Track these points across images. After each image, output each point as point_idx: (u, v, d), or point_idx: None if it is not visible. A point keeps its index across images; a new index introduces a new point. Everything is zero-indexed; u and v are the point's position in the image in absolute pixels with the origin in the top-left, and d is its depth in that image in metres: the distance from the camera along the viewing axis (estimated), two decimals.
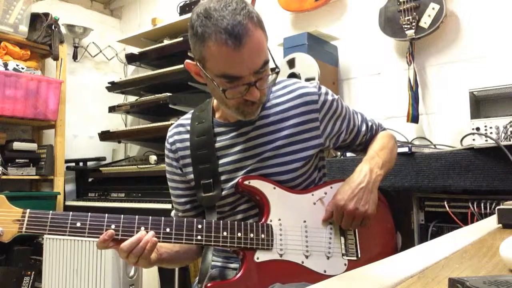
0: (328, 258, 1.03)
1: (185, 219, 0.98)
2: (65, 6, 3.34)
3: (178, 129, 1.16)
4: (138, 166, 2.64)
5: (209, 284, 0.96)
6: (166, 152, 1.17)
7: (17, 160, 2.72)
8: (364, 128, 1.18)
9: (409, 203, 1.66)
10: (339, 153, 1.88)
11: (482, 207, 1.46)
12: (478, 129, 1.50)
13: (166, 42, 2.83)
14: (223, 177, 1.07)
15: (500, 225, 0.88)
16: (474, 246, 0.73)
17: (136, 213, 0.97)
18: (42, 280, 2.21)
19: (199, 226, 0.97)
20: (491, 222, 0.93)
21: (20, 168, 2.73)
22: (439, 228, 1.60)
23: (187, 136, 1.13)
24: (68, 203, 2.92)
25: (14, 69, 2.73)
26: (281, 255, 0.99)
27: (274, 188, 1.04)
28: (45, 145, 2.93)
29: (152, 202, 2.46)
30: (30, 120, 2.84)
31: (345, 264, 1.04)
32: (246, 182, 1.03)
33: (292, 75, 2.15)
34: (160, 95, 2.60)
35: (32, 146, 2.82)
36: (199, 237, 0.96)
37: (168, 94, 2.54)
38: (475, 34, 2.07)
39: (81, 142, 3.34)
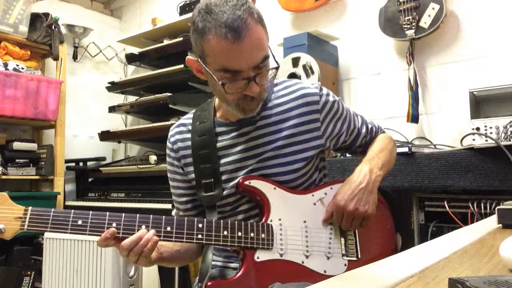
0: (328, 258, 1.03)
1: (185, 218, 0.98)
2: (65, 6, 3.34)
3: (180, 129, 1.16)
4: (138, 166, 2.64)
5: (209, 283, 0.96)
6: (167, 151, 1.18)
7: (17, 160, 2.72)
8: (364, 130, 1.19)
9: (409, 203, 1.66)
10: (338, 154, 1.88)
11: (482, 207, 1.46)
12: (478, 129, 1.50)
13: (166, 42, 2.83)
14: (224, 177, 1.07)
15: (500, 225, 0.88)
16: (474, 246, 0.73)
17: (136, 213, 0.97)
18: (42, 280, 2.21)
19: (200, 225, 0.97)
20: (491, 222, 0.93)
21: (20, 168, 2.73)
22: (439, 228, 1.60)
23: (189, 135, 1.13)
24: (68, 203, 2.92)
25: (14, 69, 2.73)
26: (281, 255, 0.99)
27: (275, 188, 1.04)
28: (45, 145, 2.93)
29: (152, 202, 2.46)
30: (30, 120, 2.83)
31: (345, 265, 1.04)
32: (246, 182, 1.03)
33: (292, 75, 2.15)
34: (160, 95, 2.60)
35: (32, 146, 2.82)
36: (199, 236, 0.97)
37: (168, 94, 2.54)
38: (475, 34, 2.07)
39: (81, 142, 3.34)
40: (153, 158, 2.55)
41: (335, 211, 1.03)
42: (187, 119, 1.17)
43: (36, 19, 2.87)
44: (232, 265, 1.11)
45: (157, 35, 3.00)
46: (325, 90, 1.12)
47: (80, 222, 0.92)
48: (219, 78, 0.95)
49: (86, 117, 3.39)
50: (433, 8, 2.02)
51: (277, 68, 0.99)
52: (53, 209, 0.92)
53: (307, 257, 1.01)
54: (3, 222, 0.89)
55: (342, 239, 1.06)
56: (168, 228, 0.95)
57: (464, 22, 2.10)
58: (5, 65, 2.70)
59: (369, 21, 2.29)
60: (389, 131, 2.12)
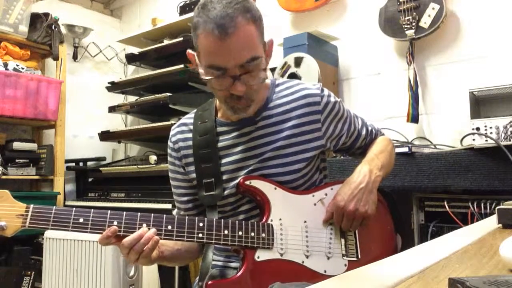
0: (328, 258, 1.03)
1: (186, 217, 0.98)
2: (65, 6, 3.34)
3: (181, 128, 1.17)
4: (138, 166, 2.64)
5: (209, 282, 0.96)
6: (169, 151, 1.18)
7: (17, 160, 2.72)
8: (364, 131, 1.19)
9: (409, 203, 1.66)
10: (338, 154, 1.88)
11: (482, 207, 1.46)
12: (478, 129, 1.50)
13: (166, 42, 2.83)
14: (225, 177, 1.08)
15: (500, 225, 0.88)
16: (474, 246, 0.73)
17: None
18: (42, 280, 2.20)
19: (201, 224, 0.97)
20: (491, 222, 0.93)
21: (20, 168, 2.73)
22: (439, 228, 1.60)
23: (190, 135, 1.14)
24: (68, 203, 2.92)
25: (14, 69, 2.73)
26: (281, 255, 1.00)
27: (275, 188, 1.04)
28: (45, 145, 2.93)
29: (152, 202, 2.46)
30: (30, 120, 2.83)
31: (345, 265, 1.04)
32: (247, 182, 1.03)
33: (292, 76, 2.15)
34: (160, 95, 2.60)
35: (32, 146, 2.82)
36: (200, 235, 0.97)
37: (168, 94, 2.54)
38: (475, 34, 2.07)
39: (81, 142, 3.34)
40: (153, 158, 2.55)
41: (335, 212, 1.03)
42: (189, 118, 1.18)
43: (36, 19, 2.87)
44: (233, 264, 1.11)
45: (157, 35, 3.00)
46: (326, 91, 1.12)
47: (81, 220, 0.92)
48: (207, 73, 0.96)
49: (86, 117, 3.39)
50: (433, 8, 2.02)
51: (264, 70, 0.99)
52: (54, 207, 0.92)
53: (307, 257, 1.01)
54: (4, 219, 0.89)
55: (342, 239, 1.06)
56: (169, 227, 0.96)
57: (464, 22, 2.10)
58: (5, 65, 2.70)
59: (369, 21, 2.29)
60: (389, 131, 2.14)
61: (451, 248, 0.70)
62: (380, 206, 1.11)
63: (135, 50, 3.02)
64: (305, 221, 1.04)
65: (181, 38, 2.64)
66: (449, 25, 2.11)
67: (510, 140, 1.44)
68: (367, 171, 1.07)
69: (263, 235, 0.99)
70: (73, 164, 3.14)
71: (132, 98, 3.01)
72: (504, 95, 1.80)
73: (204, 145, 1.10)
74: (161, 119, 2.69)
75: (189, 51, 1.04)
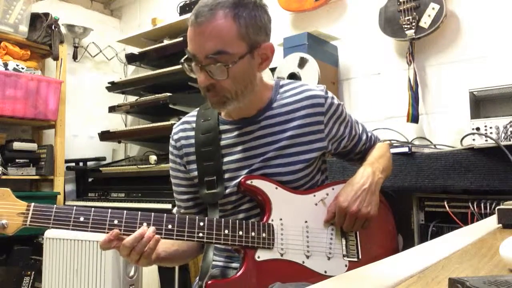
0: (329, 258, 1.03)
1: (187, 216, 0.98)
2: (65, 6, 3.34)
3: (184, 126, 1.17)
4: (138, 166, 2.64)
5: (209, 282, 0.96)
6: (170, 148, 1.18)
7: (17, 160, 2.72)
8: (364, 137, 1.20)
9: (409, 203, 1.66)
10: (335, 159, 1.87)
11: (482, 207, 1.46)
12: (478, 129, 1.50)
13: (166, 42, 2.83)
14: (226, 175, 1.08)
15: (500, 225, 0.88)
16: (474, 246, 0.73)
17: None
18: (42, 280, 2.20)
19: (201, 224, 0.97)
20: (491, 222, 0.93)
21: (20, 168, 2.73)
22: (439, 228, 1.60)
23: (192, 133, 1.14)
24: (68, 203, 2.92)
25: (14, 69, 2.73)
26: (282, 255, 1.00)
27: (276, 188, 1.04)
28: (45, 145, 2.93)
29: (152, 202, 2.46)
30: (30, 120, 2.83)
31: (346, 265, 1.04)
32: (248, 182, 1.03)
33: (292, 76, 2.15)
34: (160, 95, 2.60)
35: (32, 146, 2.82)
36: (200, 235, 0.97)
37: (168, 94, 2.54)
38: (475, 34, 2.07)
39: (81, 142, 3.34)
40: (153, 158, 2.55)
41: (338, 212, 1.03)
42: (191, 116, 1.18)
43: (36, 19, 2.87)
44: (233, 265, 1.11)
45: (157, 35, 3.00)
46: (330, 94, 1.12)
47: (82, 219, 0.92)
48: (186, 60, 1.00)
49: (86, 117, 3.39)
50: (433, 8, 2.02)
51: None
52: (55, 205, 0.92)
53: (307, 257, 1.01)
54: (5, 218, 0.89)
55: (343, 240, 1.06)
56: (170, 226, 0.95)
57: (464, 22, 2.10)
58: (5, 65, 2.70)
59: (369, 21, 2.29)
60: (389, 131, 2.14)
61: (451, 248, 0.70)
62: (382, 207, 1.11)
63: (135, 50, 3.02)
64: (306, 221, 1.04)
65: (181, 38, 2.63)
66: (449, 25, 2.11)
67: (510, 140, 1.44)
68: (370, 172, 1.07)
69: (264, 235, 0.99)
70: (73, 164, 3.14)
71: (132, 98, 3.01)
72: (504, 95, 1.80)
73: (207, 143, 1.10)
74: (161, 119, 2.69)
75: None
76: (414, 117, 2.09)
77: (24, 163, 2.76)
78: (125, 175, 2.78)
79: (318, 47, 2.29)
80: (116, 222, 0.93)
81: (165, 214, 0.97)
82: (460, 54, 2.10)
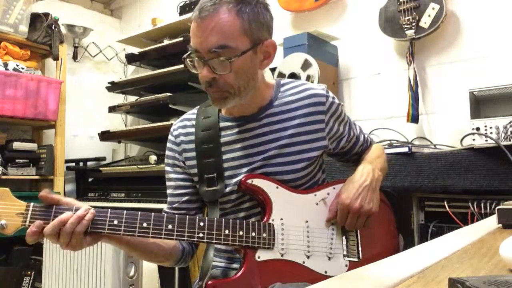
0: (329, 258, 1.03)
1: (187, 216, 0.98)
2: (65, 6, 3.34)
3: (184, 123, 1.17)
4: (138, 166, 2.64)
5: (209, 282, 0.96)
6: (168, 144, 1.17)
7: (17, 160, 2.72)
8: (362, 138, 1.21)
9: (409, 203, 1.66)
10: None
11: (482, 207, 1.46)
12: (478, 129, 1.50)
13: (166, 42, 2.83)
14: (227, 173, 1.07)
15: (500, 225, 0.88)
16: (474, 246, 0.73)
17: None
18: (42, 280, 2.20)
19: (201, 224, 0.97)
20: (491, 222, 0.93)
21: (20, 168, 2.73)
22: (439, 228, 1.60)
23: (192, 130, 1.14)
24: None
25: (14, 69, 2.73)
26: (282, 255, 1.00)
27: (277, 187, 1.04)
28: (45, 145, 2.93)
29: (152, 202, 2.46)
30: (30, 120, 2.83)
31: (346, 265, 1.04)
32: (249, 181, 1.03)
33: (292, 75, 2.15)
34: (160, 95, 2.60)
35: (32, 146, 2.82)
36: (201, 235, 0.97)
37: (168, 94, 2.54)
38: (475, 34, 2.07)
39: (81, 142, 3.34)
40: (153, 158, 2.55)
41: (340, 210, 1.03)
42: (192, 114, 1.18)
43: (36, 19, 2.87)
44: (234, 266, 1.11)
45: (157, 35, 3.00)
46: (331, 93, 1.13)
47: None
48: (188, 56, 1.01)
49: (86, 117, 3.39)
50: (433, 8, 2.02)
51: (229, 59, 0.98)
52: (54, 206, 0.92)
53: (308, 257, 1.01)
54: (4, 218, 0.88)
55: (344, 240, 1.06)
56: (170, 226, 0.95)
57: (464, 22, 2.10)
58: (5, 65, 2.70)
59: (369, 21, 2.29)
60: (389, 131, 2.14)
61: (451, 248, 0.70)
62: (383, 206, 1.11)
63: (135, 50, 3.02)
64: (306, 221, 1.04)
65: (181, 38, 2.63)
66: (449, 25, 2.11)
67: (510, 140, 1.44)
68: (370, 169, 1.08)
69: (264, 235, 0.99)
70: (73, 164, 3.14)
71: (132, 98, 3.01)
72: (504, 95, 1.80)
73: (207, 140, 1.10)
74: (161, 119, 2.69)
75: None
76: (414, 117, 2.09)
77: (24, 163, 2.76)
78: (125, 175, 2.78)
79: (318, 47, 2.29)
80: (115, 222, 0.93)
81: (165, 214, 0.97)
82: (460, 54, 2.10)
